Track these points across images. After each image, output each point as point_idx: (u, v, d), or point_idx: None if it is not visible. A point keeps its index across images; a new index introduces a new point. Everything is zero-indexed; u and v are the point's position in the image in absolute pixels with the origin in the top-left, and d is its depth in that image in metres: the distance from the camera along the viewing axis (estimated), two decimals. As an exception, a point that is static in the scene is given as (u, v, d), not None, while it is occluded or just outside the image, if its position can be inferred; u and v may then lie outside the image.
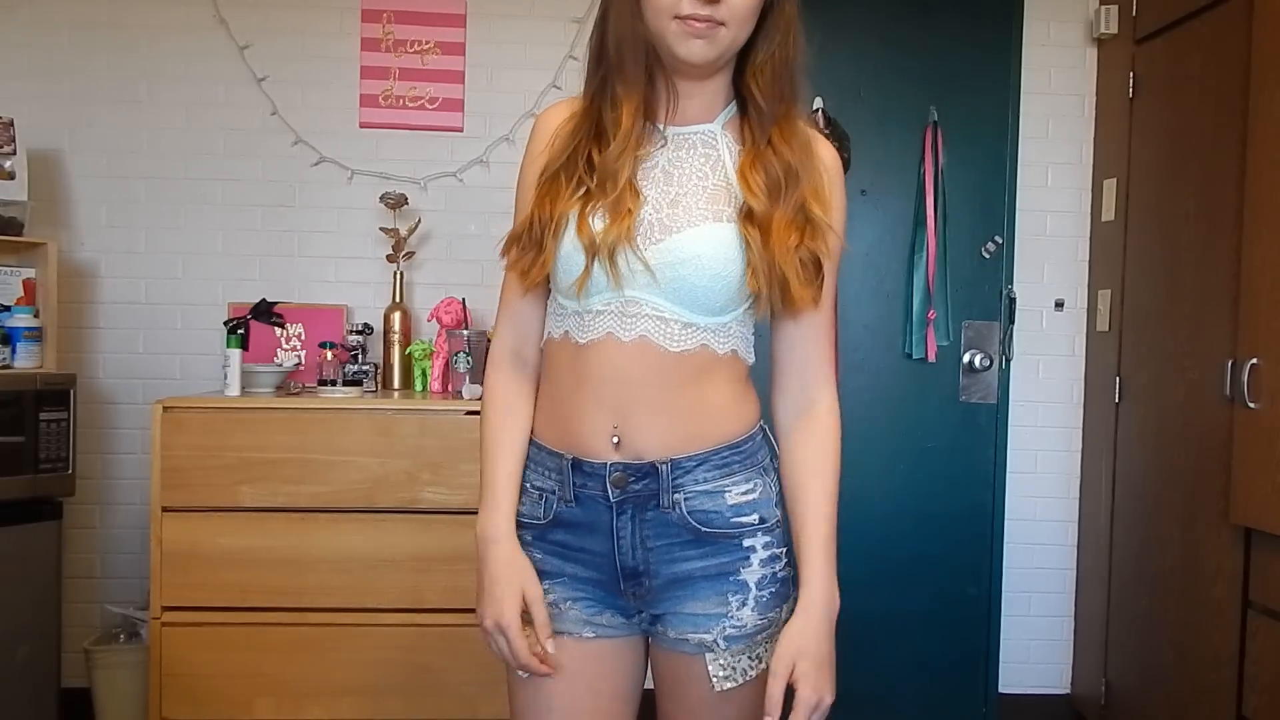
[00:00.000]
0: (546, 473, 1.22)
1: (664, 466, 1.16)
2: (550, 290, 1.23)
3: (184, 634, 2.32)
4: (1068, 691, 3.08)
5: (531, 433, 1.25)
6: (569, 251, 1.15)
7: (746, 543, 1.19)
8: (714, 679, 1.19)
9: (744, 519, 1.19)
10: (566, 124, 1.21)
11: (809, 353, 1.23)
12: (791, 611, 1.19)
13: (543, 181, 1.19)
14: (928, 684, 3.00)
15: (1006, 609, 3.02)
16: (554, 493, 1.21)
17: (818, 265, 1.17)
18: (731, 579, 1.19)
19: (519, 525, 1.23)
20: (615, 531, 1.19)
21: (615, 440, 1.16)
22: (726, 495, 1.19)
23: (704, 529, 1.18)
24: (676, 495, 1.17)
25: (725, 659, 1.19)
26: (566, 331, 1.19)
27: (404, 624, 2.35)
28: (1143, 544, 2.71)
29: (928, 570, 2.99)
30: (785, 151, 1.18)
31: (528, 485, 1.24)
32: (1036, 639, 3.06)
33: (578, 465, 1.18)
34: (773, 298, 1.16)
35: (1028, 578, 3.05)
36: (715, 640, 1.19)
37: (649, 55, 1.15)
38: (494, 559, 1.21)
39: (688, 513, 1.18)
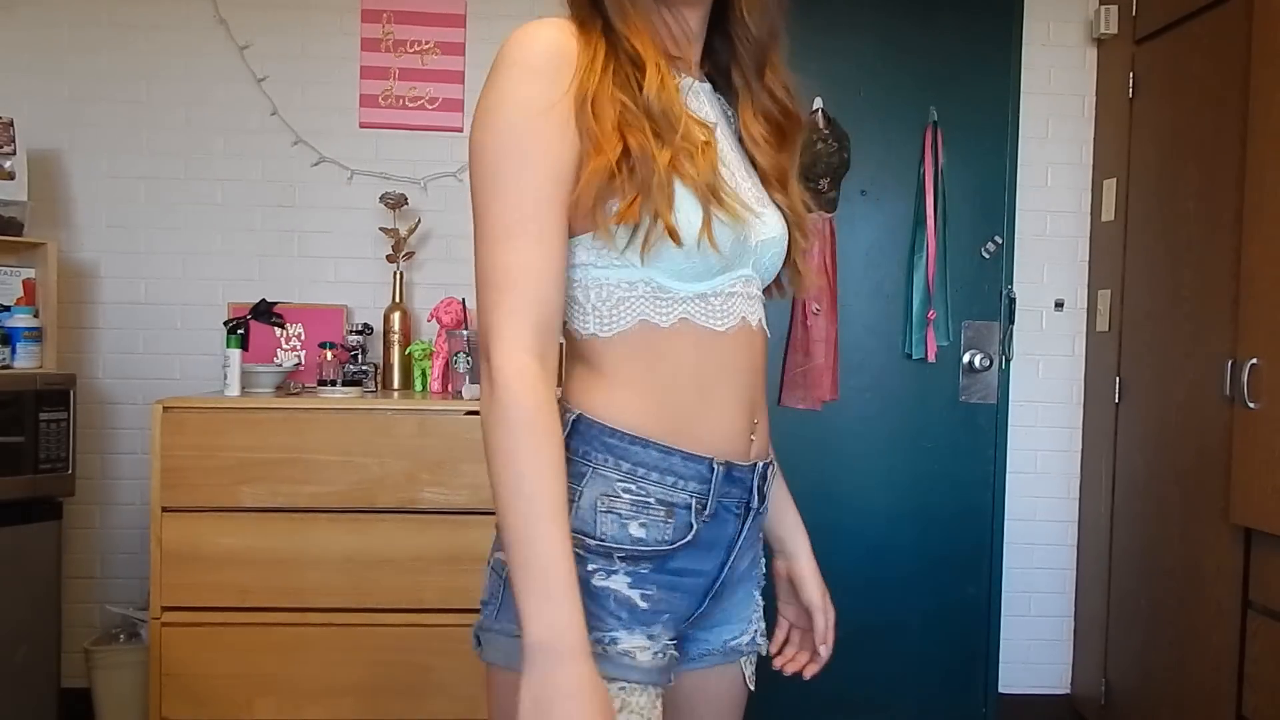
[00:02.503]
0: (682, 483, 0.98)
1: (772, 465, 1.09)
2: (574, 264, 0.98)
3: (184, 634, 2.32)
4: (1068, 691, 3.08)
5: (639, 432, 0.98)
6: (683, 200, 0.93)
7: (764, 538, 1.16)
8: (748, 679, 1.16)
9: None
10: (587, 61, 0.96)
11: None
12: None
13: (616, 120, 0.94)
14: (928, 684, 3.00)
15: (1006, 609, 3.02)
16: (688, 507, 0.99)
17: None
18: (757, 576, 1.14)
19: (625, 557, 0.97)
20: (737, 545, 1.04)
21: (752, 437, 1.04)
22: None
23: (761, 531, 1.12)
24: (768, 496, 1.09)
25: (751, 659, 1.16)
26: (685, 317, 0.98)
27: (404, 624, 2.35)
28: (1143, 544, 2.71)
29: (928, 570, 2.99)
30: (779, 90, 1.08)
31: (650, 500, 0.97)
32: (1036, 639, 3.06)
33: (729, 472, 1.01)
34: (787, 276, 1.08)
35: (1028, 578, 3.05)
36: (753, 640, 1.14)
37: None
38: (581, 682, 0.86)
39: (766, 514, 1.10)
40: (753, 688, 1.18)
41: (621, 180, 0.92)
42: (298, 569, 2.33)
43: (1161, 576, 2.60)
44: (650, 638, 0.98)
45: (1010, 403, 3.00)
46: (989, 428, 3.00)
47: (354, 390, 2.53)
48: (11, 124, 2.59)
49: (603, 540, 0.96)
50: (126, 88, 2.86)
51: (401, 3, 2.89)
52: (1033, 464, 3.05)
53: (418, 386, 2.71)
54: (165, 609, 2.32)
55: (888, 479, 2.98)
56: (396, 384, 2.75)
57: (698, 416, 0.99)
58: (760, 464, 1.05)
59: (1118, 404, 2.84)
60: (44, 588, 2.49)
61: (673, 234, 0.93)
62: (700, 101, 1.05)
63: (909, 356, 2.94)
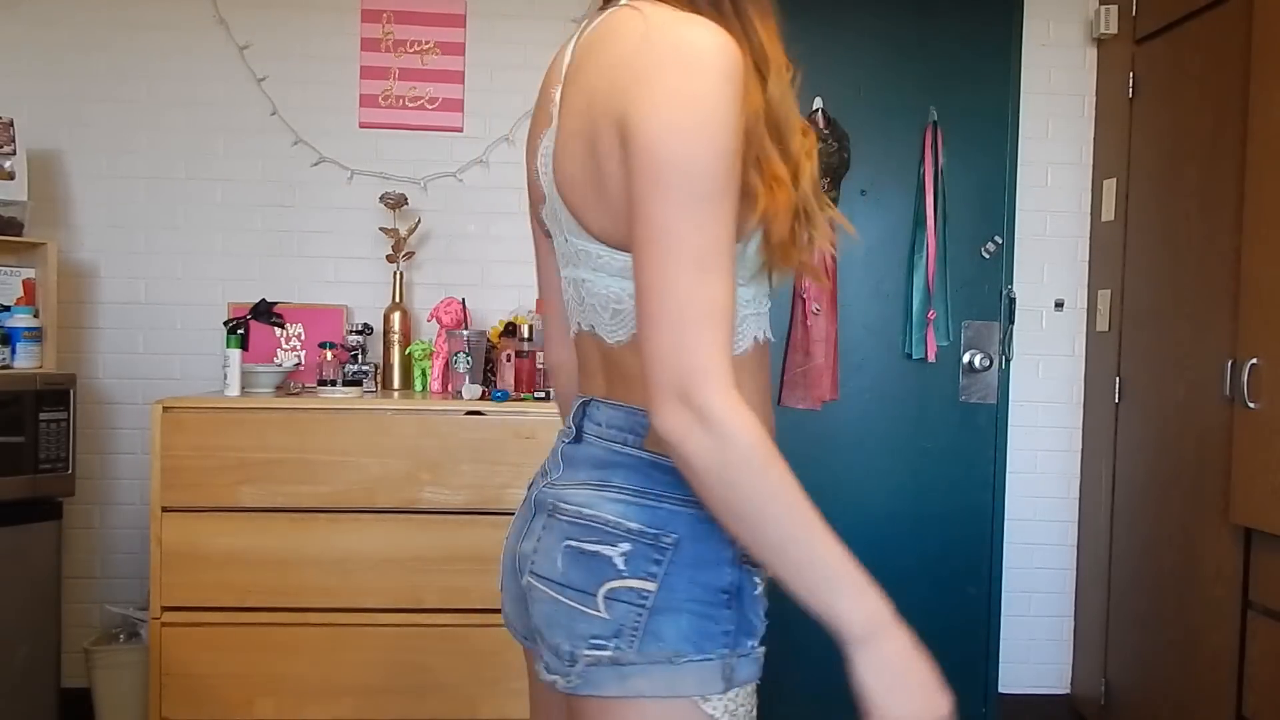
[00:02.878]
0: None
1: None
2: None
3: (184, 634, 2.32)
4: (1068, 691, 3.08)
5: None
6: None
7: None
8: None
9: None
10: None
11: None
12: None
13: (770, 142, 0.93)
14: (928, 684, 3.00)
15: (1006, 609, 3.02)
16: None
17: None
18: None
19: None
20: None
21: None
22: None
23: None
24: None
25: None
26: (764, 329, 1.02)
27: (404, 624, 2.35)
28: (1143, 544, 2.71)
29: (928, 570, 2.99)
30: None
31: None
32: (1036, 639, 3.06)
33: None
34: None
35: (1028, 578, 3.05)
36: None
37: None
38: (911, 645, 0.93)
39: None
40: None
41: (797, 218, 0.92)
42: (298, 569, 2.33)
43: (1161, 576, 2.60)
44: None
45: (1010, 403, 3.00)
46: (989, 428, 3.00)
47: (354, 390, 2.53)
48: (11, 124, 2.59)
49: None
50: (126, 88, 2.86)
51: (401, 3, 2.89)
52: (1033, 464, 3.05)
53: (418, 386, 2.71)
54: (165, 609, 2.32)
55: (888, 479, 2.98)
56: (396, 384, 2.75)
57: (765, 422, 1.02)
58: None
59: (1118, 404, 2.84)
60: (44, 588, 2.49)
61: (808, 268, 0.98)
62: None
63: (909, 356, 2.94)
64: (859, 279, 2.96)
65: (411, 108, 2.91)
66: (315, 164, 2.89)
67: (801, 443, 2.88)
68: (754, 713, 0.98)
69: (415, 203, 2.86)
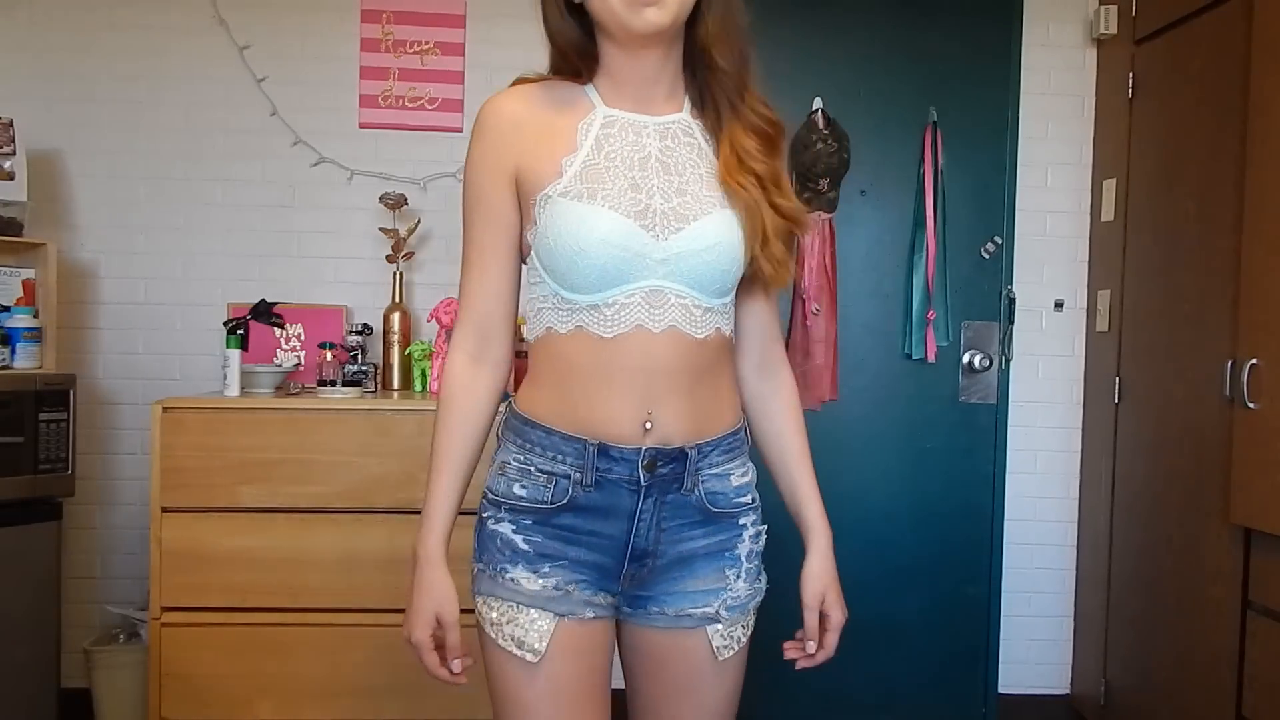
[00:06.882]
0: (560, 457, 1.21)
1: (692, 451, 1.22)
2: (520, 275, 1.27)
3: (184, 634, 2.32)
4: (1068, 691, 3.08)
5: (533, 417, 1.23)
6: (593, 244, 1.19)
7: (741, 521, 1.28)
8: (716, 650, 1.26)
9: (742, 500, 1.28)
10: None
11: (772, 323, 1.36)
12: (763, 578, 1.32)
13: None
14: (928, 684, 3.00)
15: (1006, 609, 3.03)
16: (567, 477, 1.20)
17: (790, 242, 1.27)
18: (727, 555, 1.27)
19: (514, 509, 1.23)
20: (637, 514, 1.21)
21: (647, 426, 1.20)
22: (731, 478, 1.27)
23: (713, 509, 1.25)
24: (697, 478, 1.23)
25: (724, 629, 1.27)
26: (580, 325, 1.19)
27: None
28: (1142, 544, 2.71)
29: (927, 570, 2.99)
30: (759, 106, 1.25)
31: (531, 469, 1.22)
32: (1036, 639, 3.06)
33: (604, 450, 1.19)
34: (768, 276, 1.24)
35: (1027, 578, 3.05)
36: (718, 612, 1.26)
37: (604, 43, 1.24)
38: (421, 580, 1.24)
39: (704, 494, 1.24)
40: (722, 657, 1.27)
41: None
42: (298, 569, 2.33)
43: (1161, 576, 2.61)
44: (535, 573, 1.21)
45: (1010, 403, 3.00)
46: (989, 428, 3.00)
47: (354, 390, 2.53)
48: (11, 124, 2.59)
49: (493, 494, 1.25)
50: (126, 88, 2.86)
51: (401, 3, 2.89)
52: (1033, 464, 3.05)
53: (417, 387, 2.71)
54: (165, 609, 2.32)
55: (887, 479, 2.98)
56: (396, 384, 2.75)
57: (581, 406, 1.20)
58: (652, 448, 1.19)
59: (1117, 404, 2.84)
60: (44, 588, 2.49)
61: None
62: (672, 142, 1.23)
63: (909, 356, 2.94)
64: (859, 279, 2.96)
65: (411, 108, 2.91)
66: (315, 164, 2.89)
67: (801, 443, 2.88)
68: (495, 622, 1.23)
69: (415, 203, 2.86)
